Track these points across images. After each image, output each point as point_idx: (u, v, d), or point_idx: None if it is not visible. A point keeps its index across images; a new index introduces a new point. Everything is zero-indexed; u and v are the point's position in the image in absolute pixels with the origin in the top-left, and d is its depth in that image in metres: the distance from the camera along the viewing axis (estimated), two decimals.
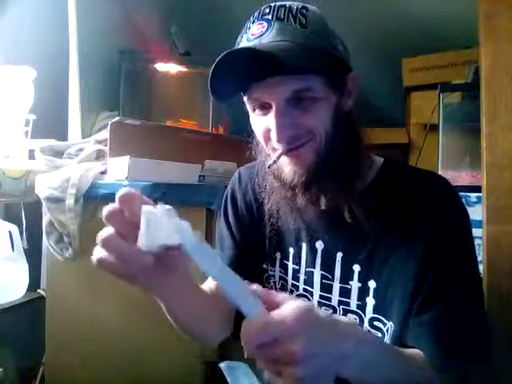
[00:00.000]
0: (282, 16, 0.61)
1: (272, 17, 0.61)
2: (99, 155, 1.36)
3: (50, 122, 1.49)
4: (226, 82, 0.61)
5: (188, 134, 1.39)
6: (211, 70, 0.58)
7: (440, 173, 1.26)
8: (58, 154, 1.37)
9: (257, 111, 0.64)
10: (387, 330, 0.65)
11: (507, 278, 0.90)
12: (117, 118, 1.27)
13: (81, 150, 1.37)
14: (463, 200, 0.69)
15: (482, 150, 1.02)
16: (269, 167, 0.65)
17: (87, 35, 1.56)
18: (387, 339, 0.65)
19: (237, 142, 1.55)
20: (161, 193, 1.13)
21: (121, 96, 1.84)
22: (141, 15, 1.94)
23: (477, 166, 1.15)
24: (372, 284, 0.65)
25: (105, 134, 1.36)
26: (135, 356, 1.19)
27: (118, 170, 1.15)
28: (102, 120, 1.63)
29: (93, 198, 1.19)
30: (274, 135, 0.61)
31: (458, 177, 1.27)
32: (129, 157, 1.11)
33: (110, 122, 1.26)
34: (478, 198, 1.04)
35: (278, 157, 0.63)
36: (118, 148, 1.21)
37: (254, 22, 0.62)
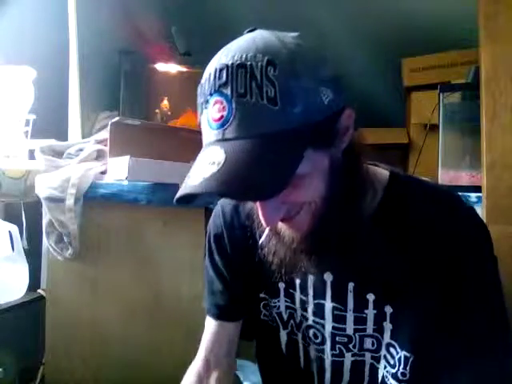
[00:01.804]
0: (243, 90, 0.48)
1: (231, 92, 0.48)
2: (99, 155, 1.36)
3: (50, 122, 1.49)
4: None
5: (188, 134, 1.39)
6: (176, 200, 0.50)
7: (440, 173, 1.26)
8: (58, 154, 1.37)
9: None
10: (399, 360, 0.61)
11: (507, 278, 0.90)
12: (117, 118, 1.27)
13: (81, 150, 1.37)
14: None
15: (482, 150, 1.02)
16: (261, 245, 0.60)
17: (87, 35, 1.56)
18: (401, 369, 0.61)
19: None
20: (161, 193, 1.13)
21: (121, 96, 1.84)
22: (141, 15, 1.93)
23: (477, 166, 1.15)
24: (388, 309, 0.61)
25: (105, 134, 1.36)
26: (135, 356, 1.19)
27: (118, 170, 1.15)
28: (101, 120, 1.63)
29: (93, 197, 1.19)
30: (262, 219, 0.54)
31: (458, 177, 1.27)
32: (129, 157, 1.11)
33: (109, 122, 1.26)
34: (478, 197, 1.04)
35: (271, 229, 0.58)
36: (118, 148, 1.21)
37: (211, 93, 0.50)
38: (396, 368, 0.61)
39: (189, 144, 1.39)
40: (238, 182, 0.46)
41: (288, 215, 0.55)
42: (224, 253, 0.73)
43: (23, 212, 1.42)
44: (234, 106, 0.48)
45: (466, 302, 0.57)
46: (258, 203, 0.54)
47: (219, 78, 0.49)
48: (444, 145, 1.37)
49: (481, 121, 1.01)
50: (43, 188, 1.22)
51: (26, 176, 1.31)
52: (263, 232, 0.61)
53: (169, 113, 1.89)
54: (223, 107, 0.49)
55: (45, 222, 1.23)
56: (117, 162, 1.17)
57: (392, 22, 2.04)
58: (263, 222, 0.54)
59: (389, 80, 2.04)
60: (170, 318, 1.16)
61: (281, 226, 0.58)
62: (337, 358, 0.67)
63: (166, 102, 1.89)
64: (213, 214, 0.76)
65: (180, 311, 1.16)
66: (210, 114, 0.51)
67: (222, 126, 0.49)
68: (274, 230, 0.59)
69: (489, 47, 1.00)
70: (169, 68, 1.97)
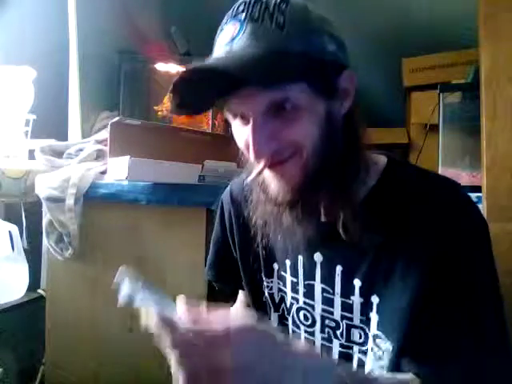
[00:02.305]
0: (257, 15, 0.54)
1: (245, 16, 0.54)
2: (99, 155, 1.37)
3: (50, 122, 1.50)
4: (194, 97, 0.55)
5: (188, 134, 1.39)
6: (173, 86, 0.53)
7: (440, 173, 1.26)
8: (58, 154, 1.37)
9: (237, 120, 0.58)
10: (386, 350, 0.60)
11: (507, 279, 0.90)
12: (117, 118, 1.27)
13: (81, 150, 1.37)
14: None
15: (482, 150, 1.02)
16: (246, 185, 0.61)
17: (87, 35, 1.57)
18: (387, 360, 0.60)
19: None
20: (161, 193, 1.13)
21: (121, 96, 1.85)
22: (141, 15, 1.94)
23: (477, 166, 1.15)
24: (375, 299, 0.61)
25: (105, 134, 1.36)
26: (135, 356, 1.19)
27: (118, 170, 1.15)
28: (101, 120, 1.63)
29: (93, 198, 1.19)
30: (251, 151, 0.55)
31: (458, 177, 1.27)
32: (129, 157, 1.11)
33: (109, 122, 1.26)
34: (478, 198, 1.04)
35: (259, 173, 0.57)
36: (118, 148, 1.21)
37: (227, 22, 0.56)
38: (383, 360, 0.61)
39: (189, 144, 1.39)
40: (238, 62, 0.51)
41: (278, 156, 0.56)
42: (225, 229, 0.79)
43: (23, 212, 1.42)
44: (245, 25, 0.54)
45: (455, 290, 0.55)
46: (250, 134, 0.55)
47: (236, 10, 0.56)
48: (444, 145, 1.37)
49: (481, 121, 1.01)
50: (43, 188, 1.22)
51: (26, 176, 1.31)
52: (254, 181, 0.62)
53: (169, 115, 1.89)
54: (235, 28, 0.55)
55: (45, 222, 1.23)
56: (117, 161, 1.17)
57: (392, 22, 2.04)
58: (252, 154, 0.55)
59: (389, 80, 2.04)
60: None
61: (268, 178, 0.59)
62: (326, 343, 0.67)
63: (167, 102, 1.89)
64: (224, 192, 0.82)
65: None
66: (222, 36, 0.56)
67: (232, 40, 0.54)
68: (261, 180, 0.60)
69: (489, 47, 1.00)
70: (169, 68, 1.97)
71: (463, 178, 1.26)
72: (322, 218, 0.64)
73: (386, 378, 0.57)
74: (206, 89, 0.55)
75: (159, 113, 1.88)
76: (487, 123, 0.99)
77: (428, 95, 1.80)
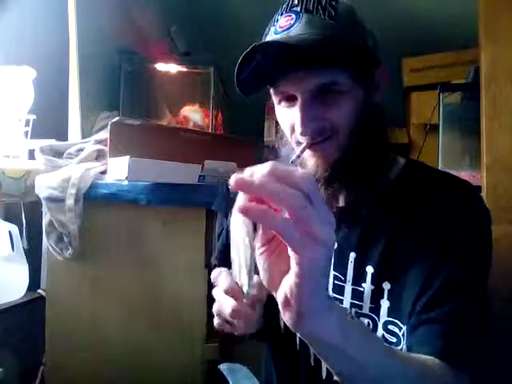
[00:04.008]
0: (311, 8, 0.60)
1: (301, 9, 0.60)
2: (99, 155, 1.36)
3: (50, 122, 1.49)
4: (252, 75, 0.61)
5: (188, 134, 1.39)
6: (237, 64, 0.59)
7: None
8: (58, 154, 1.37)
9: (282, 103, 0.64)
10: (403, 335, 0.61)
11: (507, 279, 0.90)
12: (117, 118, 1.27)
13: (81, 150, 1.37)
14: None
15: (482, 150, 1.02)
16: (292, 162, 0.63)
17: (87, 35, 1.56)
18: (403, 346, 0.61)
19: (237, 142, 1.56)
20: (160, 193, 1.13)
21: (121, 96, 1.84)
22: (141, 15, 1.94)
23: (477, 166, 1.15)
24: (386, 286, 0.63)
25: (105, 134, 1.36)
26: (135, 356, 1.19)
27: (118, 170, 1.15)
28: (101, 120, 1.63)
29: (93, 197, 1.19)
30: (298, 128, 0.60)
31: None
32: (129, 157, 1.11)
33: (109, 122, 1.26)
34: None
35: (302, 151, 0.61)
36: (118, 148, 1.21)
37: (282, 13, 0.62)
38: (401, 344, 0.61)
39: (189, 144, 1.39)
40: (301, 43, 0.56)
41: (320, 135, 0.61)
42: None
43: (23, 212, 1.42)
44: (301, 16, 0.60)
45: (454, 273, 0.59)
46: (298, 112, 0.60)
47: (292, 4, 0.62)
48: (444, 145, 1.37)
49: (481, 121, 1.02)
50: (43, 188, 1.22)
51: (26, 176, 1.31)
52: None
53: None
54: (291, 18, 0.60)
55: (45, 222, 1.23)
56: (117, 161, 1.17)
57: (392, 22, 2.04)
58: (299, 128, 0.60)
59: (389, 80, 2.04)
60: (170, 317, 1.16)
61: (306, 157, 0.64)
62: None
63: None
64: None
65: (180, 311, 1.16)
66: (278, 24, 0.61)
67: (288, 29, 0.60)
68: (299, 162, 0.64)
69: (489, 47, 1.01)
70: (169, 68, 1.97)
71: (463, 178, 1.26)
72: (341, 203, 0.67)
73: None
74: (261, 68, 0.60)
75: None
76: (487, 123, 1.00)
77: (428, 95, 1.80)
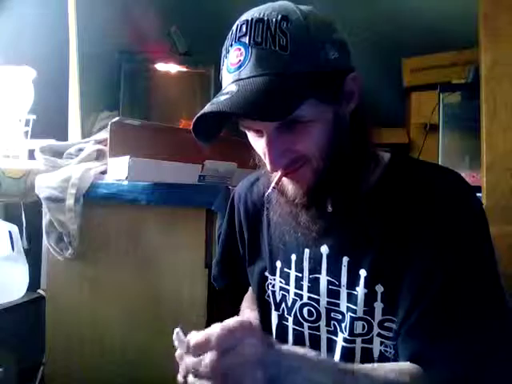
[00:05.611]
0: (260, 39, 0.56)
1: (249, 40, 0.56)
2: (99, 155, 1.36)
3: (50, 122, 1.50)
4: (209, 130, 0.62)
5: (188, 134, 1.38)
6: (192, 129, 0.60)
7: None
8: (58, 154, 1.37)
9: (251, 133, 0.63)
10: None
11: (507, 279, 0.90)
12: (117, 118, 1.27)
13: (81, 150, 1.37)
14: None
15: (482, 150, 1.02)
16: (268, 195, 0.66)
17: (87, 35, 1.57)
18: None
19: (237, 142, 1.55)
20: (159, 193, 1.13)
21: (121, 96, 1.85)
22: (141, 15, 1.94)
23: (477, 166, 1.15)
24: (379, 289, 0.62)
25: (105, 134, 1.36)
26: (135, 356, 1.19)
27: (118, 170, 1.15)
28: (101, 120, 1.63)
29: (93, 197, 1.19)
30: (268, 164, 0.60)
31: None
32: (129, 157, 1.11)
33: (110, 122, 1.26)
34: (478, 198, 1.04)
35: (277, 182, 0.62)
36: (118, 148, 1.21)
37: (232, 44, 0.58)
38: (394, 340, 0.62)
39: (189, 144, 1.39)
40: (248, 103, 0.54)
41: (292, 166, 0.61)
42: (239, 225, 0.82)
43: (23, 212, 1.42)
44: (250, 51, 0.56)
45: (457, 272, 0.57)
46: (266, 148, 0.59)
47: (240, 31, 0.58)
48: (444, 145, 1.37)
49: (481, 121, 1.02)
50: (43, 188, 1.22)
51: (26, 176, 1.31)
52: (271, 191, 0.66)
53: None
54: (241, 53, 0.57)
55: (45, 222, 1.23)
56: (117, 161, 1.17)
57: (392, 22, 2.05)
58: (269, 166, 0.60)
59: (389, 80, 2.04)
60: (170, 317, 1.16)
61: (285, 183, 0.64)
62: (331, 336, 0.67)
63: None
64: (233, 192, 0.87)
65: (180, 311, 1.16)
66: (229, 60, 0.59)
67: (239, 68, 0.57)
68: (279, 187, 0.64)
69: (489, 47, 1.00)
70: (169, 68, 1.97)
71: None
72: (329, 209, 0.66)
73: (385, 366, 0.58)
74: (218, 123, 0.62)
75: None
76: (487, 123, 1.00)
77: (428, 95, 1.80)
